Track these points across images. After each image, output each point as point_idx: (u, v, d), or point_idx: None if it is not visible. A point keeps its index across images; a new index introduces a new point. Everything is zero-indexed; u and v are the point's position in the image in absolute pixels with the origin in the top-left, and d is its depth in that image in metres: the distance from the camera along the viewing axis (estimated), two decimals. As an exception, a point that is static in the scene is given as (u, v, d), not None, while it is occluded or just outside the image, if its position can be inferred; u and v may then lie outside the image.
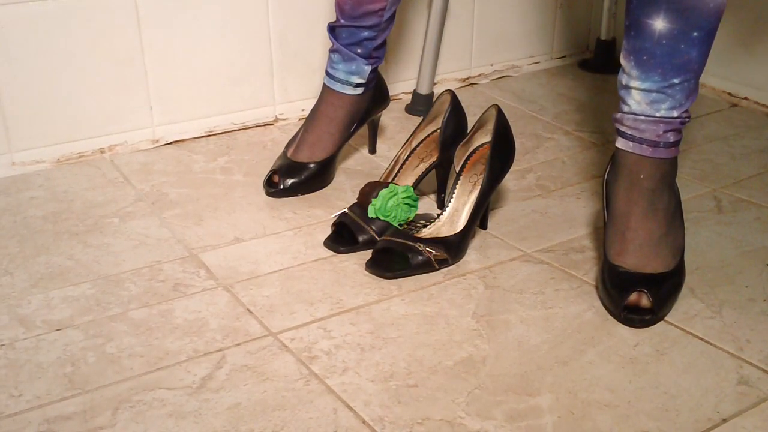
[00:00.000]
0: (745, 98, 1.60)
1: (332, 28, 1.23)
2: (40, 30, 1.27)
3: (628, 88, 0.98)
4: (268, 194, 1.25)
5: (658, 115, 0.97)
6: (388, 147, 1.40)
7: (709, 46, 0.94)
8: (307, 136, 1.27)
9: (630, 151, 0.99)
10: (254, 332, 0.95)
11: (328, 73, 1.26)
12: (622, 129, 1.00)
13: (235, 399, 0.85)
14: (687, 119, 0.98)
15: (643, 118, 0.98)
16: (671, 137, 0.98)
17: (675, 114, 0.97)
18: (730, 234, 1.16)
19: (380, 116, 1.35)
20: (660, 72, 0.95)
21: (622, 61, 0.98)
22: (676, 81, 0.95)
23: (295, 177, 1.25)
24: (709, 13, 0.91)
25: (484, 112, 1.13)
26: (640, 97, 0.97)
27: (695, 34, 0.92)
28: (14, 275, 1.06)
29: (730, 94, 1.63)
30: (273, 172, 1.26)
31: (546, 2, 1.75)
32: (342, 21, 1.21)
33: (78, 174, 1.32)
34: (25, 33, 1.26)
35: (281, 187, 1.24)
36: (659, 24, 0.93)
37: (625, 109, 0.99)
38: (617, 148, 1.01)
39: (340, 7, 1.20)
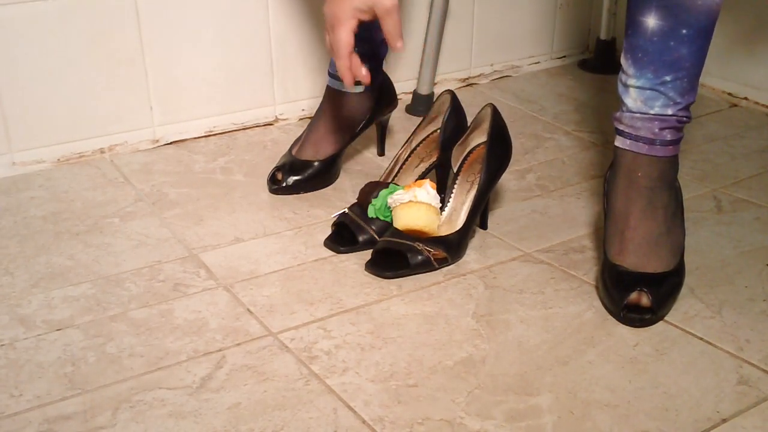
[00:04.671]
0: (745, 98, 1.60)
1: None
2: (40, 30, 1.27)
3: (626, 86, 0.99)
4: (271, 191, 1.25)
5: (652, 112, 0.97)
6: (388, 147, 1.40)
7: (702, 45, 0.95)
8: (311, 135, 1.27)
9: (627, 149, 0.99)
10: (254, 332, 0.95)
11: (329, 73, 1.27)
12: (621, 128, 1.00)
13: (235, 399, 0.85)
14: (685, 118, 0.98)
15: (639, 115, 0.98)
16: (668, 135, 0.98)
17: (669, 112, 0.97)
18: (730, 234, 1.16)
19: (389, 118, 1.35)
20: (652, 69, 0.96)
21: (622, 60, 0.99)
22: (667, 78, 0.96)
23: (298, 174, 1.25)
24: (698, 11, 0.92)
25: (480, 112, 1.12)
26: (636, 95, 0.98)
27: (684, 31, 0.93)
28: (14, 275, 1.06)
29: (730, 94, 1.63)
30: (277, 169, 1.26)
31: (546, 2, 1.75)
32: None
33: (78, 174, 1.32)
34: (25, 33, 1.26)
35: (284, 184, 1.24)
36: (651, 21, 0.94)
37: (624, 108, 1.00)
38: (616, 147, 1.01)
39: None
